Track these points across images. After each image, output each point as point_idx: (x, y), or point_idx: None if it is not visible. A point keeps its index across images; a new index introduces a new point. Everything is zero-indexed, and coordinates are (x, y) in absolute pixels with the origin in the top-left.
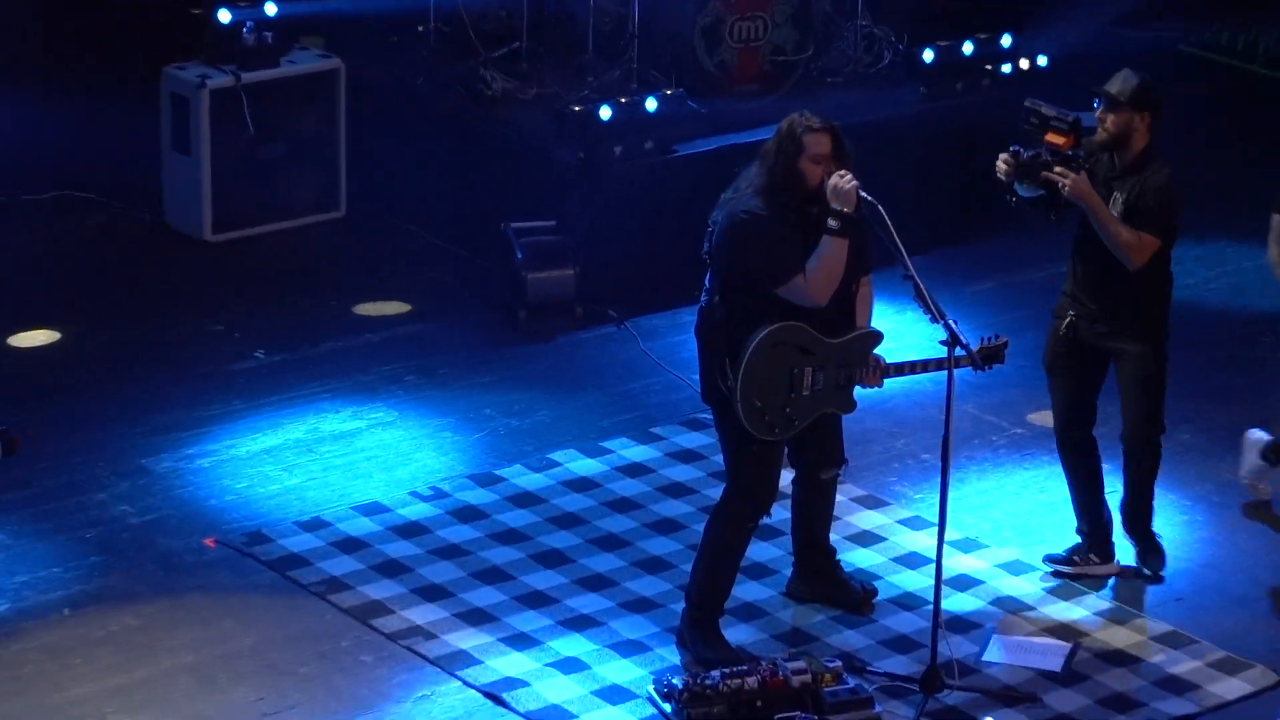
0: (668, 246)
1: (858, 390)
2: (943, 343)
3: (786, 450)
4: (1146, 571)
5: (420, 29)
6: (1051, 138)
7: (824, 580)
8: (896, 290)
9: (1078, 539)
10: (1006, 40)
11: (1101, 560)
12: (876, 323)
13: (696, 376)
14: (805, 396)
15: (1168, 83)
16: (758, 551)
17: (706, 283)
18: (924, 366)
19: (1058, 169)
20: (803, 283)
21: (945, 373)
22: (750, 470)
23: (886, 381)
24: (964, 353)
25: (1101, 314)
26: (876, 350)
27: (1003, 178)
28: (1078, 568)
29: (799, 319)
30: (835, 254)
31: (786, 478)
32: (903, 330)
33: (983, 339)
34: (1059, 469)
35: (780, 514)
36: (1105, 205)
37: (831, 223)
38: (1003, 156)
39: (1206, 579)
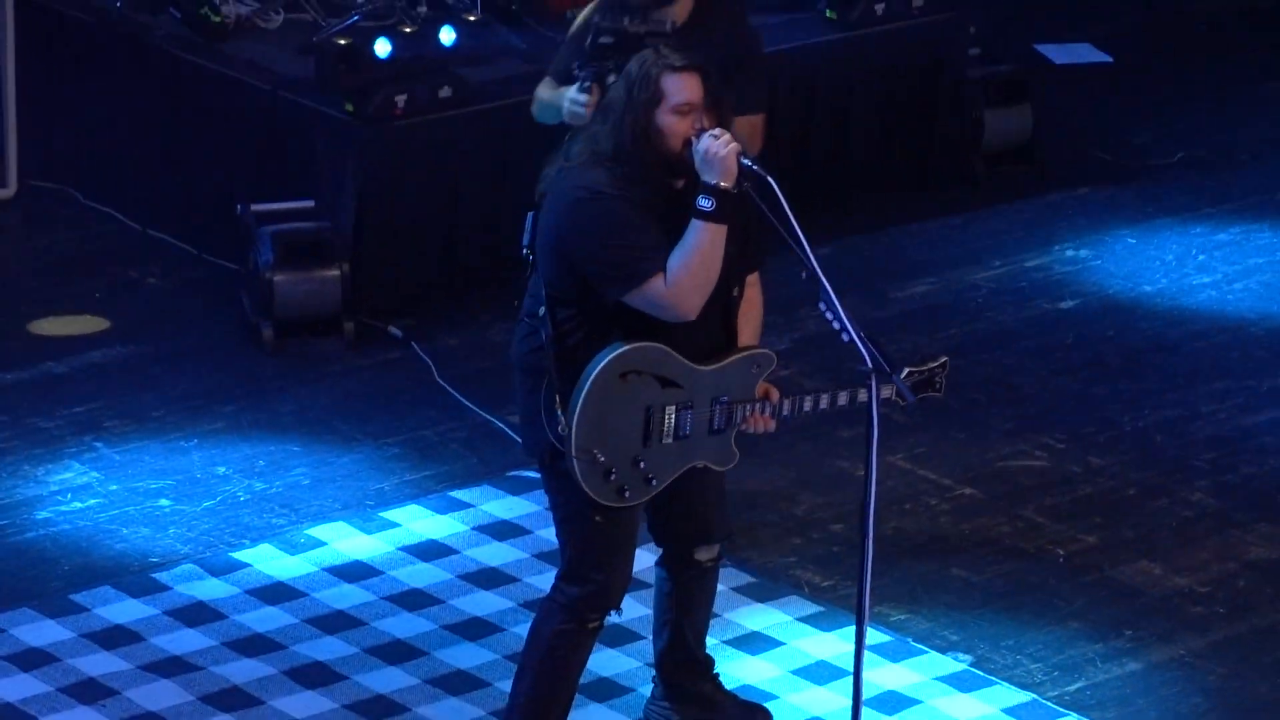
0: (471, 236)
1: (741, 435)
2: (861, 370)
3: (646, 519)
4: None
5: None
6: None
7: (697, 702)
8: (794, 294)
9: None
10: None
11: None
12: (766, 339)
13: (516, 418)
14: (667, 446)
15: None
16: (603, 663)
17: (529, 288)
18: (832, 401)
19: None
20: (662, 286)
21: (863, 409)
22: (591, 548)
23: (781, 422)
24: (888, 383)
25: None
26: (766, 379)
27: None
28: None
29: (658, 337)
30: (709, 246)
31: (646, 559)
32: (802, 351)
33: (914, 359)
34: (1023, 544)
35: (636, 609)
36: None
37: (703, 202)
38: (572, 97)
39: (1241, 701)
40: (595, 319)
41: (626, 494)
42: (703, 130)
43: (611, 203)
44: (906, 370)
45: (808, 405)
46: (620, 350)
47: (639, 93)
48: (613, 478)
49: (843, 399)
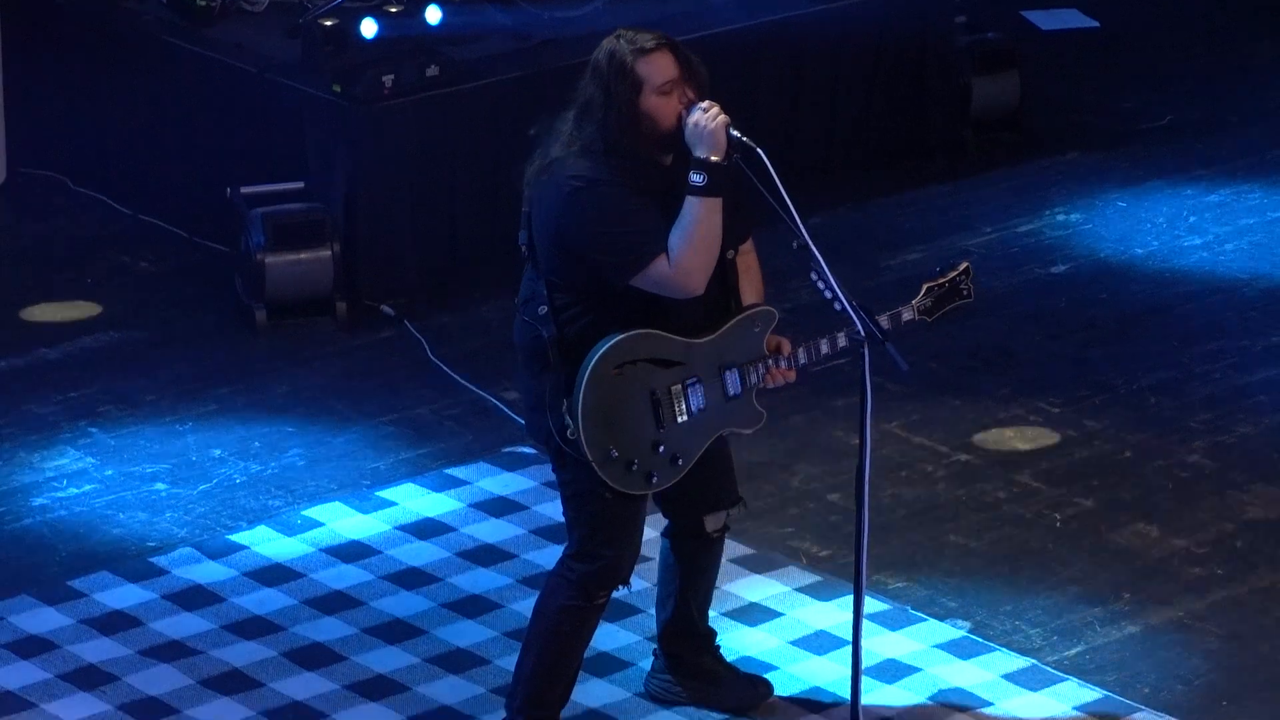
0: (463, 214)
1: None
2: (853, 340)
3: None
4: None
5: None
6: None
7: (699, 674)
8: (785, 264)
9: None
10: None
11: None
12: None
13: (514, 396)
14: (684, 424)
15: None
16: (603, 637)
17: (525, 279)
18: (850, 338)
19: None
20: (666, 266)
21: (856, 377)
22: (603, 526)
23: (801, 371)
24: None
25: None
26: (774, 331)
27: None
28: None
29: (658, 316)
30: (705, 220)
31: (649, 531)
32: (795, 320)
33: (933, 272)
34: (1020, 509)
35: (636, 584)
36: None
37: (695, 177)
38: None
39: (1241, 662)
40: (598, 307)
41: (654, 479)
42: (691, 103)
43: (608, 190)
44: (925, 287)
45: (824, 348)
46: (605, 347)
47: (618, 86)
48: (635, 467)
49: (859, 331)
